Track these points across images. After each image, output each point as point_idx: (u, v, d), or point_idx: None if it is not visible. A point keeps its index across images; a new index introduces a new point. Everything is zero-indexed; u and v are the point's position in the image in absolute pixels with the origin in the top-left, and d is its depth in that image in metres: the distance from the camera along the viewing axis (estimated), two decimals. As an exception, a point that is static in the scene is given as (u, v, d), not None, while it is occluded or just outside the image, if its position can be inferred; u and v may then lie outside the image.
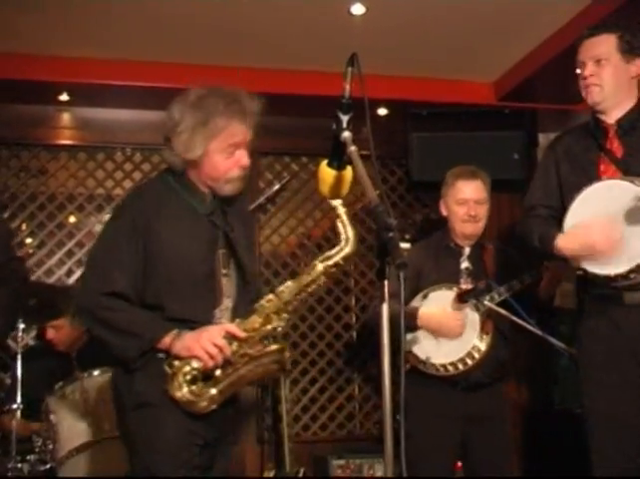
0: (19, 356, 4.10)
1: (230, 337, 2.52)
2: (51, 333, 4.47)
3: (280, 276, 5.36)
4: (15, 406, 4.00)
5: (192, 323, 2.53)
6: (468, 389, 3.50)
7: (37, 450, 3.98)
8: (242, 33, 4.47)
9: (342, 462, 4.70)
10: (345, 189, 2.27)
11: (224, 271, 2.64)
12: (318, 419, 5.31)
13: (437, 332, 3.51)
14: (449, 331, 3.49)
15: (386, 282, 1.90)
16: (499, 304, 3.51)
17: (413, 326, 3.51)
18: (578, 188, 2.85)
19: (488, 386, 3.56)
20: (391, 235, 1.84)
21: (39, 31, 4.37)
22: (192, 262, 2.58)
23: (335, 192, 2.27)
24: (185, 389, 2.48)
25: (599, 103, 2.91)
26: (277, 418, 4.50)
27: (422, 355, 3.51)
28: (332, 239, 5.48)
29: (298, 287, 2.59)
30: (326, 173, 2.23)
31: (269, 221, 5.45)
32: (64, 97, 4.94)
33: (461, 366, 3.44)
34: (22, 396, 4.02)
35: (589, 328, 2.90)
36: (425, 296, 3.58)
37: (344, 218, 2.58)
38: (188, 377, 2.49)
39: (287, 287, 2.60)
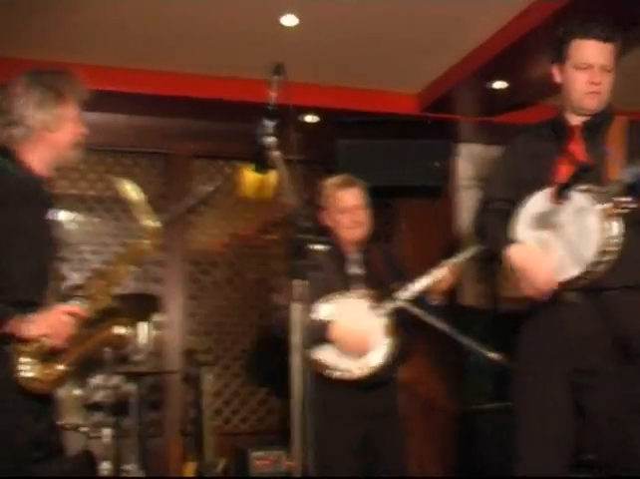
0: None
1: (73, 317, 2.59)
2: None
3: (209, 275, 5.49)
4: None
5: (34, 306, 2.54)
6: (370, 387, 3.48)
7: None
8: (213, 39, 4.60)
9: (261, 454, 4.80)
10: (268, 192, 2.35)
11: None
12: (239, 413, 5.43)
13: (343, 349, 3.46)
14: (355, 351, 3.45)
15: (296, 282, 2.00)
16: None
17: (323, 339, 3.45)
18: (536, 187, 2.79)
19: (388, 383, 3.59)
20: (306, 237, 1.98)
21: (25, 37, 4.42)
22: (37, 246, 2.62)
23: (258, 195, 2.35)
24: (37, 368, 2.50)
25: (598, 110, 2.80)
26: (199, 411, 4.64)
27: (328, 362, 3.46)
28: (261, 238, 5.64)
29: (116, 270, 2.76)
30: (249, 176, 2.33)
31: (200, 221, 5.52)
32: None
33: (366, 370, 3.45)
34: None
35: (527, 324, 2.87)
36: (325, 305, 3.50)
37: (139, 209, 2.73)
38: (38, 356, 2.51)
39: (107, 271, 2.78)
